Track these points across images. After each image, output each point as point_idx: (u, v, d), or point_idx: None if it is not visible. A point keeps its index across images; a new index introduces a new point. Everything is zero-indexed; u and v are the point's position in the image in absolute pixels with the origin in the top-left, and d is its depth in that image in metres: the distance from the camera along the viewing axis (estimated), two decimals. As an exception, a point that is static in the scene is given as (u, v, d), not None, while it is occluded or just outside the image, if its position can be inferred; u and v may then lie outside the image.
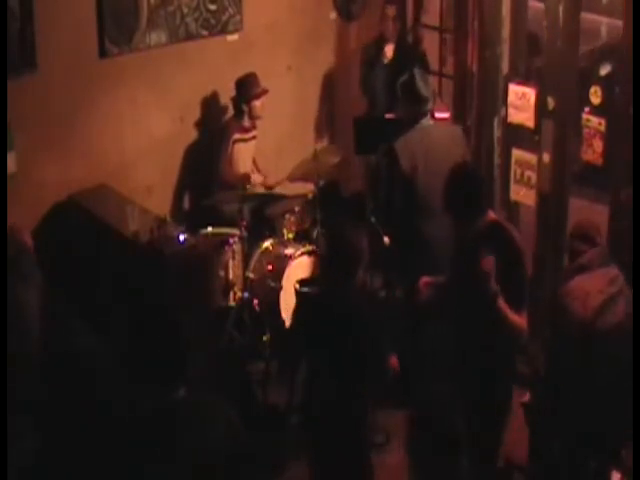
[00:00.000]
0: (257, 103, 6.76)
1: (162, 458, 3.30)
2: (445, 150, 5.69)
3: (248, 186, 6.71)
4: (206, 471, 3.36)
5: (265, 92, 6.79)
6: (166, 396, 3.35)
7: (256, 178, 6.87)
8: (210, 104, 7.04)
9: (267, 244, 6.43)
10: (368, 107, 7.49)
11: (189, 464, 3.31)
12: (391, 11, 7.31)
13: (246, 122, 6.83)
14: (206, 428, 3.39)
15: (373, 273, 6.84)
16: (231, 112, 6.97)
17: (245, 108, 6.78)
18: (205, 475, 3.37)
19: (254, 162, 7.07)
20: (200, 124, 7.03)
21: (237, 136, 6.79)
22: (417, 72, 5.90)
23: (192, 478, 3.35)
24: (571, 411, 4.52)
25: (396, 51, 7.41)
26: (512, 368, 4.77)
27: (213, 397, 3.54)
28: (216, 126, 6.99)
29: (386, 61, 7.41)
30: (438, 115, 6.12)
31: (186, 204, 7.11)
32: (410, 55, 7.38)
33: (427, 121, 5.78)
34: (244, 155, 6.89)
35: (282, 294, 6.13)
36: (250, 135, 6.90)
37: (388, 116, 7.13)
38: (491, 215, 4.77)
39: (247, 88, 6.73)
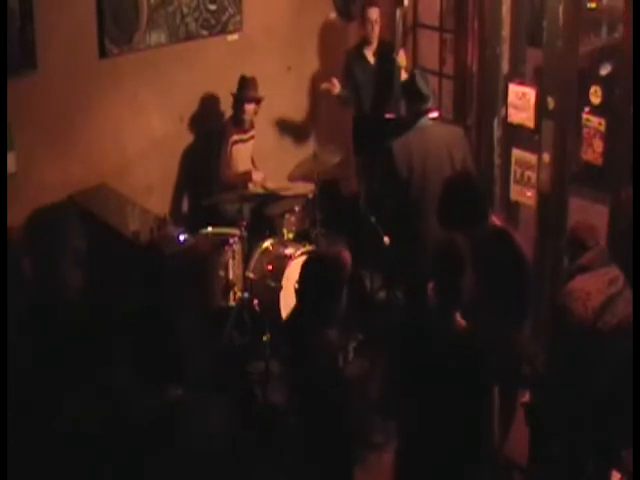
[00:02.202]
0: (249, 107, 6.75)
1: (160, 456, 3.29)
2: (445, 151, 5.68)
3: (250, 184, 6.72)
4: (204, 469, 3.36)
5: (258, 99, 6.78)
6: (162, 396, 3.34)
7: (257, 175, 6.84)
8: (210, 104, 7.03)
9: (267, 244, 6.43)
10: (355, 111, 7.41)
11: (187, 462, 3.30)
12: (373, 13, 7.24)
13: (244, 123, 6.82)
14: (203, 427, 3.38)
15: (373, 273, 6.85)
16: (230, 112, 6.97)
17: (239, 109, 6.78)
18: (203, 473, 3.36)
19: (253, 163, 7.06)
20: (200, 124, 7.03)
21: (235, 137, 6.79)
22: (417, 72, 5.90)
23: (190, 476, 3.34)
24: (571, 411, 4.52)
25: (378, 53, 7.38)
26: (516, 370, 4.77)
27: (211, 396, 3.53)
28: (215, 126, 6.99)
29: (369, 64, 7.38)
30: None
31: (186, 204, 7.11)
32: (393, 56, 7.34)
33: (427, 121, 5.76)
34: (243, 155, 6.89)
35: (282, 294, 6.13)
36: (248, 135, 6.90)
37: (388, 116, 7.13)
38: (494, 221, 4.75)
39: (242, 90, 6.74)
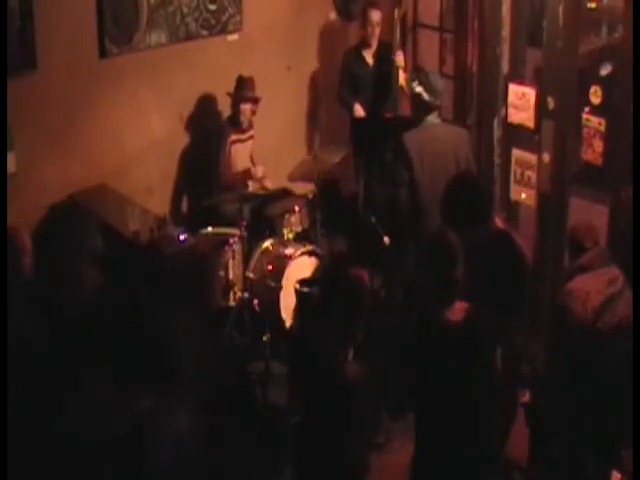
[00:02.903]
0: (245, 107, 6.74)
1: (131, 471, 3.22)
2: (452, 150, 5.70)
3: (250, 182, 6.71)
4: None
5: (255, 100, 6.78)
6: (132, 405, 3.25)
7: (256, 171, 6.81)
8: (209, 104, 7.03)
9: (267, 244, 6.43)
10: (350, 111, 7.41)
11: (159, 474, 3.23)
12: (375, 15, 7.24)
13: (242, 124, 6.82)
14: (175, 438, 3.30)
15: (373, 273, 6.85)
16: (229, 112, 6.97)
17: (236, 109, 6.78)
18: None
19: (252, 161, 7.06)
20: (200, 124, 7.03)
21: (234, 137, 6.79)
22: (430, 71, 5.93)
23: None
24: (571, 411, 4.52)
25: (377, 54, 7.39)
26: (517, 371, 4.78)
27: (184, 406, 3.43)
28: (214, 126, 6.99)
29: (368, 65, 7.39)
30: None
31: (186, 204, 7.11)
32: (391, 57, 7.36)
33: (434, 119, 5.78)
34: (242, 155, 6.88)
35: (282, 294, 6.13)
36: (247, 135, 6.89)
37: (388, 116, 7.12)
38: (497, 223, 4.74)
39: (239, 90, 6.74)
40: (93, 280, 5.69)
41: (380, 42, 7.34)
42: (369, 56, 7.35)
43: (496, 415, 4.31)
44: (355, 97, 7.29)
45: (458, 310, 4.10)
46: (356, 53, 7.37)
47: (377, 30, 7.27)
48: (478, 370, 4.10)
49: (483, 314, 4.17)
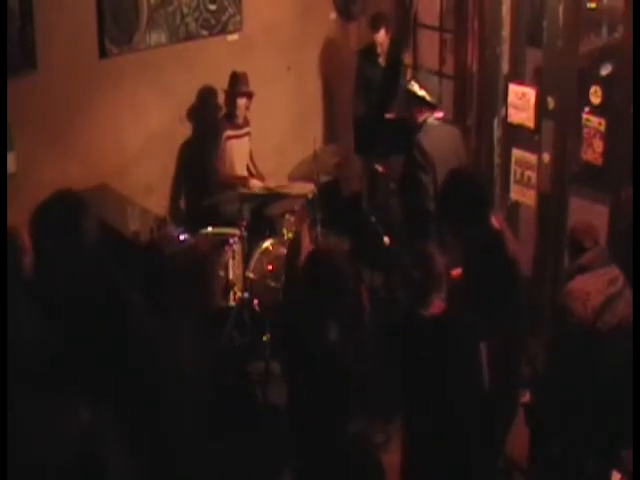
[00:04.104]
0: (240, 102, 6.77)
1: None
2: (454, 151, 5.75)
3: (245, 189, 6.73)
4: None
5: (249, 94, 6.80)
6: (70, 425, 3.14)
7: (255, 183, 6.85)
8: (209, 103, 7.03)
9: (267, 244, 6.43)
10: (365, 110, 7.46)
11: None
12: (380, 37, 7.33)
13: (237, 119, 6.84)
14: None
15: (373, 273, 6.85)
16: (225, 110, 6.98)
17: (231, 104, 6.80)
18: None
19: (252, 162, 7.07)
20: (200, 123, 7.03)
21: (229, 132, 6.80)
22: (424, 71, 5.97)
23: None
24: (571, 411, 4.52)
25: (388, 55, 7.44)
26: (517, 370, 4.78)
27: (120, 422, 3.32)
28: (212, 123, 6.99)
29: (380, 65, 7.45)
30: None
31: (186, 204, 7.10)
32: (400, 62, 7.44)
33: (434, 120, 5.81)
34: (239, 152, 6.89)
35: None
36: (243, 132, 6.90)
37: (388, 116, 7.14)
38: (494, 224, 4.74)
39: (233, 85, 6.77)
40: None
41: (391, 41, 7.40)
42: (382, 59, 7.43)
43: (481, 413, 4.32)
44: (368, 97, 7.35)
45: (435, 307, 4.15)
46: (368, 54, 7.43)
47: (384, 47, 7.38)
48: (457, 367, 4.13)
49: (460, 310, 4.23)
